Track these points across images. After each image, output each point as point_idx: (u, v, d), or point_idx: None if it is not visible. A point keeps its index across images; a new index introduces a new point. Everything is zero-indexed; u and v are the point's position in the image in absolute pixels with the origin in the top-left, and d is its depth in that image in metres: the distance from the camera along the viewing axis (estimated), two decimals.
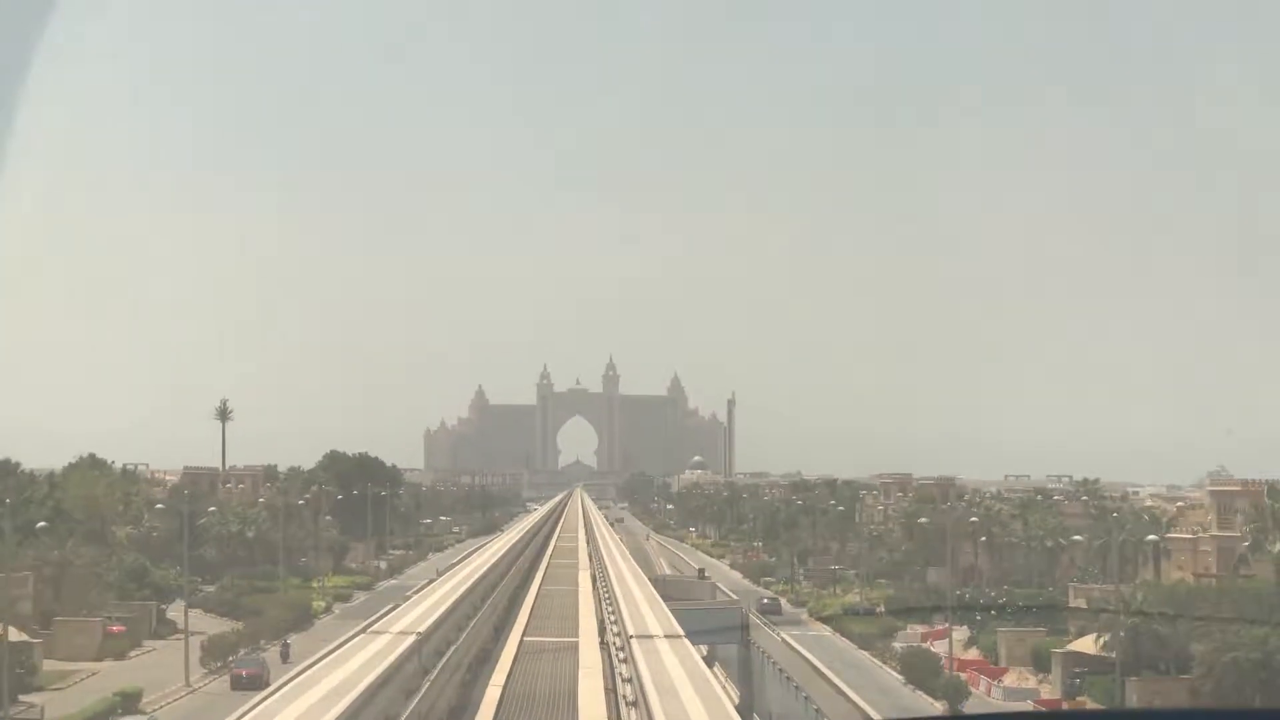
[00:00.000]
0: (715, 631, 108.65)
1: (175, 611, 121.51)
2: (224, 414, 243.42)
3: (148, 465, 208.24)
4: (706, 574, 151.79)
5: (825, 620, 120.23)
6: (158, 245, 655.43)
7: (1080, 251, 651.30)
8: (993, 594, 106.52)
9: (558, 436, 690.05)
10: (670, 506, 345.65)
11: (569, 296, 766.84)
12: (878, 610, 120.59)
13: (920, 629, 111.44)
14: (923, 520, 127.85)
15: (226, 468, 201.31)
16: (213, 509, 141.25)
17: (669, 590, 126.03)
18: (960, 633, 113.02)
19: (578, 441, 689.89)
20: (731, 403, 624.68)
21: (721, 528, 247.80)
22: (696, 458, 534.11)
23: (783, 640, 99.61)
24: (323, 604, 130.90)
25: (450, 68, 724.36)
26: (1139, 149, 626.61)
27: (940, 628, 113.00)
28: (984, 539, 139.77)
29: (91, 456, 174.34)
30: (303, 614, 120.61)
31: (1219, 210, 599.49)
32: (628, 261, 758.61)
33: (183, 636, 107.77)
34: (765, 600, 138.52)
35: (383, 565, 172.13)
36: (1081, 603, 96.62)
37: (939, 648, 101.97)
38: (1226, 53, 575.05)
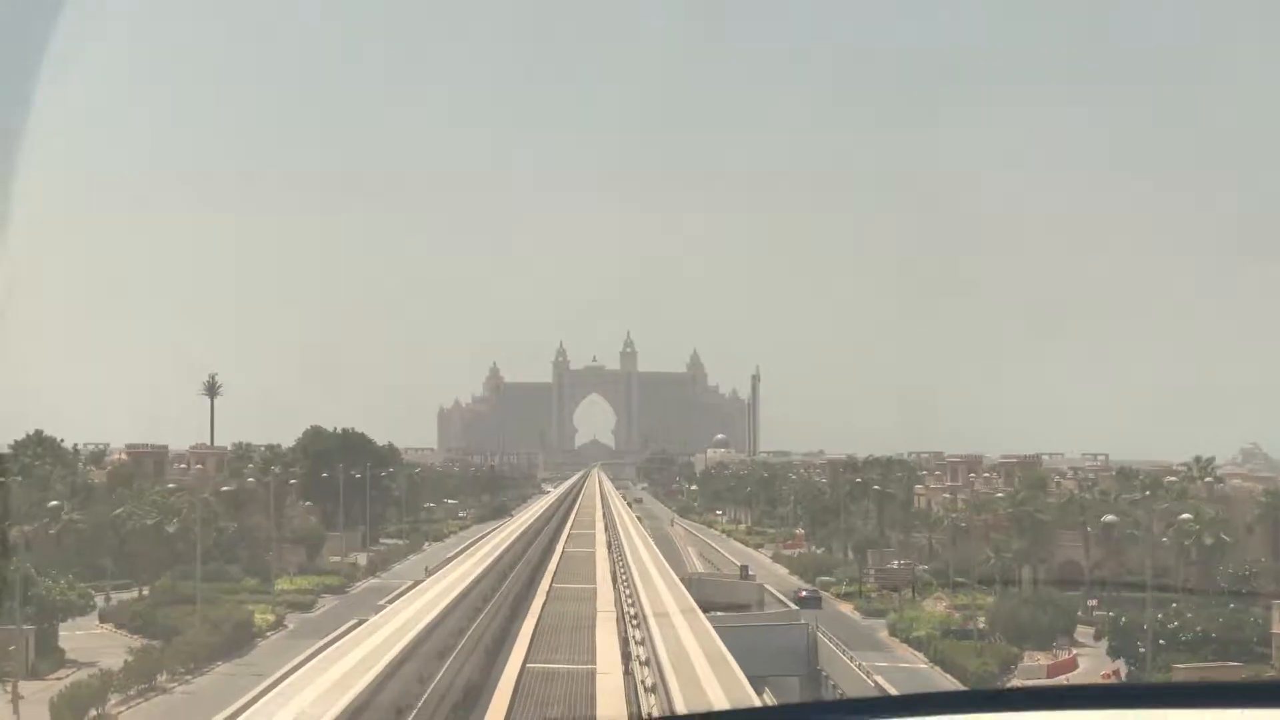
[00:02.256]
0: (773, 658, 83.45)
1: (81, 630, 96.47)
2: (212, 389, 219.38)
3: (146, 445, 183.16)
4: (751, 572, 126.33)
5: (912, 642, 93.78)
6: (170, 236, 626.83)
7: (1106, 228, 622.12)
8: (1168, 618, 79.11)
9: (574, 415, 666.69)
10: (693, 487, 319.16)
11: (586, 273, 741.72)
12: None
13: (1042, 659, 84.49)
14: (1109, 519, 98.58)
15: (190, 447, 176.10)
16: (59, 500, 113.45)
17: (706, 593, 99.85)
18: (1092, 659, 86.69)
19: (595, 420, 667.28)
20: (755, 379, 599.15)
21: (754, 511, 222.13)
22: (720, 435, 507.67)
23: (874, 684, 72.96)
24: (272, 616, 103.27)
25: (465, 51, 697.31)
26: (1179, 133, 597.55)
27: (1067, 656, 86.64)
28: (1090, 531, 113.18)
29: (38, 434, 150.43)
30: (239, 632, 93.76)
31: (1232, 198, 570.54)
32: (646, 237, 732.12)
33: (71, 671, 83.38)
34: (804, 593, 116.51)
35: (363, 561, 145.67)
36: None
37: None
38: (1238, 51, 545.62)
